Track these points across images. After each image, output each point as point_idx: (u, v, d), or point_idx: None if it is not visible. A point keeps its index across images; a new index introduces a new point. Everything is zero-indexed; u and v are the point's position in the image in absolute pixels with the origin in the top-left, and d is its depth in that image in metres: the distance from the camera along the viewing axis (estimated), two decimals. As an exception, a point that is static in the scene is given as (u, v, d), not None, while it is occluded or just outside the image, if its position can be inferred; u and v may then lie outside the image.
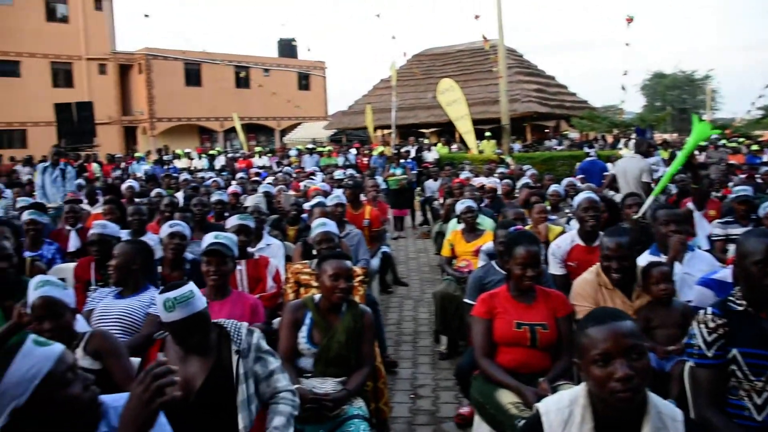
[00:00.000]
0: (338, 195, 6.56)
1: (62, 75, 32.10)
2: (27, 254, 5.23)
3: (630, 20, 15.07)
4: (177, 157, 21.17)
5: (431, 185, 12.72)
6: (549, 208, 7.00)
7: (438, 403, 4.70)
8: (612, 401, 1.80)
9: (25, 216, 5.69)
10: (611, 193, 7.95)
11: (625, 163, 7.92)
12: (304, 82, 41.08)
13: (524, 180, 9.20)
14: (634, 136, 17.51)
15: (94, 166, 17.31)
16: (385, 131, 25.61)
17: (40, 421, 1.64)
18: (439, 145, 20.28)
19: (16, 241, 5.02)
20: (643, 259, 3.46)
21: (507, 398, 3.11)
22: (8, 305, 3.57)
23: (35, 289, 2.85)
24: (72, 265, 5.01)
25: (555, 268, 4.58)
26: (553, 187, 7.41)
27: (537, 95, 23.09)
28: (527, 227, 5.41)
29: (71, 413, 1.67)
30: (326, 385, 3.17)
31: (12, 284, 3.70)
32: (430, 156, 17.14)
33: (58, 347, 1.71)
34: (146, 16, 29.68)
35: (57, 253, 5.67)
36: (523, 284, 3.36)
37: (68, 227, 6.36)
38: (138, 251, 3.88)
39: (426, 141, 22.53)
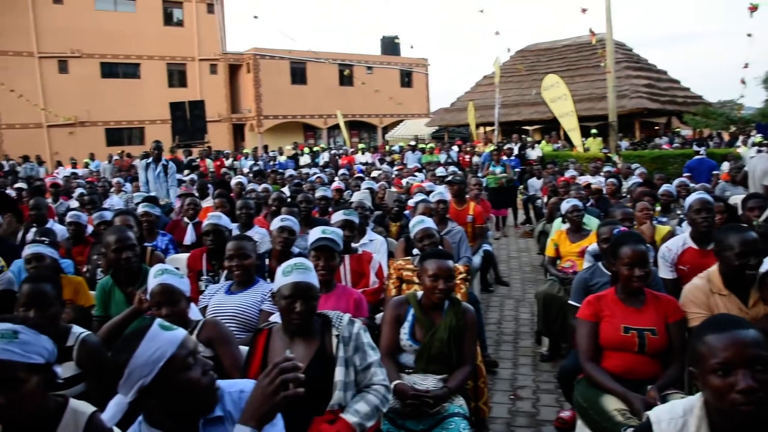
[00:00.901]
0: (441, 192, 6.56)
1: (177, 75, 33.72)
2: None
3: (754, 9, 14.09)
4: (293, 153, 21.78)
5: (534, 183, 12.50)
6: (659, 208, 6.74)
7: (538, 405, 4.62)
8: (732, 414, 1.71)
9: (140, 209, 6.06)
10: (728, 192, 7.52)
11: (756, 161, 7.35)
12: (406, 79, 41.24)
13: (634, 179, 8.87)
14: (754, 133, 16.48)
15: (208, 161, 18.08)
16: (488, 128, 25.35)
17: (163, 400, 1.75)
18: (543, 142, 19.88)
19: (139, 230, 5.36)
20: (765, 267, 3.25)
21: (612, 404, 3.02)
22: (130, 291, 3.83)
23: (155, 276, 3.04)
24: (185, 255, 5.27)
25: (665, 272, 4.37)
26: (664, 187, 7.11)
27: (647, 90, 22.11)
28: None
29: (191, 395, 1.75)
30: (427, 382, 3.19)
31: (133, 272, 3.94)
32: (534, 154, 16.82)
33: (181, 332, 1.80)
34: (255, 17, 30.77)
35: (170, 244, 6.01)
36: (632, 285, 3.25)
37: (186, 220, 6.69)
38: (255, 247, 4.03)
39: (529, 138, 22.13)
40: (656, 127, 27.23)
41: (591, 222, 6.31)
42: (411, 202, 6.95)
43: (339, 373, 2.58)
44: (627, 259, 3.24)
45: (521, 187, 13.47)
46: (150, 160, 10.13)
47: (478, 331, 4.30)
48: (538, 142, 19.90)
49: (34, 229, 6.56)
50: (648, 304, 3.27)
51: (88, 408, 2.10)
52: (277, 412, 1.70)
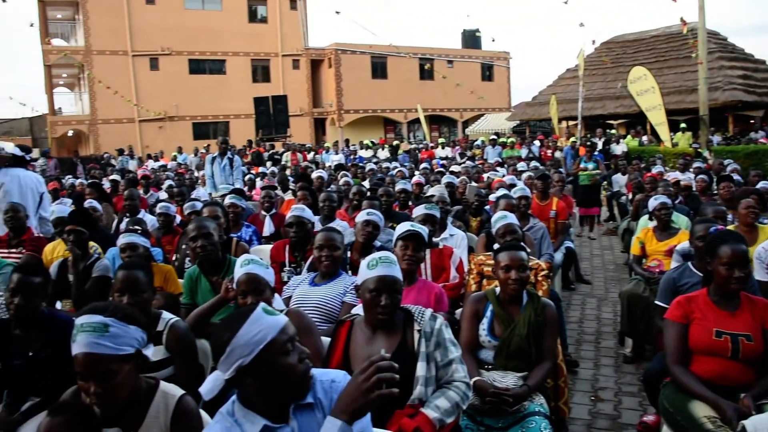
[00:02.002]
0: (523, 187, 6.47)
1: (260, 71, 34.52)
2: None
3: None
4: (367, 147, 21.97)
5: (619, 179, 12.13)
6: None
7: (620, 408, 4.49)
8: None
9: (227, 200, 6.25)
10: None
11: None
12: (487, 72, 40.77)
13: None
14: None
15: (298, 155, 18.48)
16: (570, 123, 24.77)
17: (259, 381, 1.79)
18: (629, 137, 19.26)
19: (226, 221, 5.54)
20: None
21: (702, 411, 2.90)
22: (215, 280, 3.95)
23: (241, 266, 3.13)
24: (268, 246, 5.41)
25: (761, 274, 4.15)
26: (761, 184, 6.77)
27: (742, 82, 20.99)
28: (729, 227, 4.98)
29: (286, 380, 1.80)
30: (507, 380, 3.16)
31: (219, 261, 4.07)
32: (619, 149, 16.31)
33: (282, 319, 1.84)
34: (337, 12, 31.05)
35: (254, 235, 6.18)
36: (730, 287, 3.08)
37: (263, 212, 6.85)
38: (343, 239, 4.08)
39: (614, 133, 21.47)
40: (752, 121, 25.83)
41: (680, 220, 6.09)
42: (492, 198, 6.88)
43: (420, 369, 2.59)
44: (726, 258, 3.07)
45: (605, 183, 13.10)
46: (216, 153, 10.31)
47: (559, 330, 4.23)
48: (623, 137, 19.28)
49: (127, 219, 6.88)
50: (743, 307, 3.11)
51: (177, 391, 2.19)
52: (369, 409, 1.72)
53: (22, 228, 5.74)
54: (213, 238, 4.02)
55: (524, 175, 9.05)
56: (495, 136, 18.64)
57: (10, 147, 6.72)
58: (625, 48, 26.66)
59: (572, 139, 16.33)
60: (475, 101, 36.53)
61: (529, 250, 4.73)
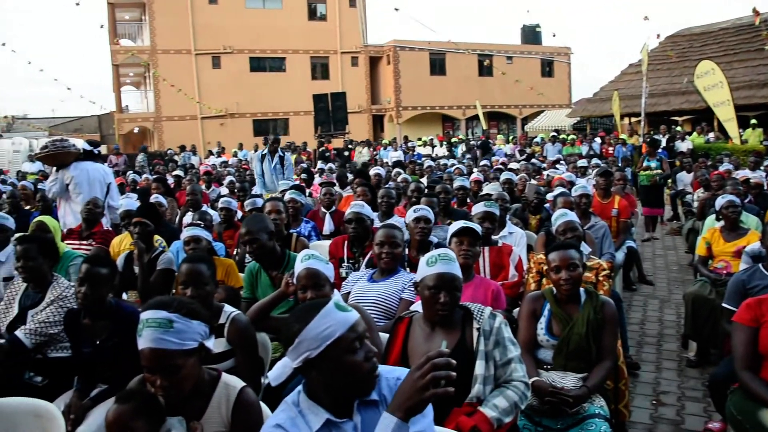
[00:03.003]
0: (584, 185, 6.35)
1: (320, 68, 34.79)
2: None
3: None
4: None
5: (684, 178, 11.77)
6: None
7: (683, 413, 4.36)
8: None
9: (287, 196, 6.34)
10: None
11: None
12: (547, 68, 40.09)
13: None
14: None
15: (363, 150, 18.58)
16: (633, 119, 24.16)
17: (324, 375, 1.82)
18: (694, 134, 18.66)
19: (287, 216, 5.62)
20: None
21: (773, 419, 2.80)
22: (275, 275, 4.01)
23: (302, 261, 3.16)
24: (327, 242, 5.46)
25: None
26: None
27: (819, 75, 20.01)
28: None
29: (351, 377, 1.81)
30: (566, 380, 3.11)
31: (278, 257, 4.12)
32: (684, 146, 15.83)
33: (353, 315, 1.85)
34: (396, 9, 30.93)
35: (313, 231, 6.24)
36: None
37: (323, 210, 6.92)
38: (403, 236, 4.08)
39: (679, 129, 20.82)
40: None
41: (749, 220, 5.89)
42: (550, 196, 6.79)
43: (479, 367, 2.57)
44: None
45: (669, 181, 12.72)
46: (265, 151, 10.04)
47: (620, 330, 4.13)
48: (689, 134, 18.69)
49: (190, 214, 7.07)
50: (818, 311, 2.99)
51: (238, 383, 2.24)
52: (425, 406, 1.70)
53: (96, 221, 6.04)
54: (261, 240, 4.00)
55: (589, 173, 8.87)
56: (555, 133, 18.35)
57: (80, 143, 7.02)
58: (692, 41, 25.80)
59: (622, 136, 15.91)
60: (535, 98, 36.03)
61: (589, 249, 4.68)
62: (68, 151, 6.74)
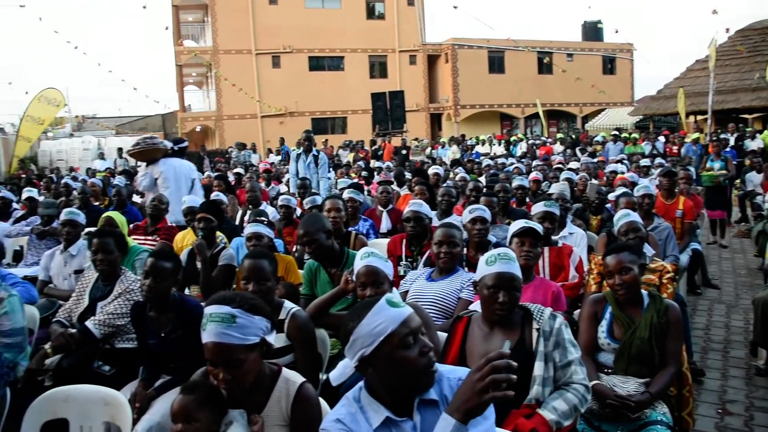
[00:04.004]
0: (646, 185, 6.19)
1: (378, 67, 34.92)
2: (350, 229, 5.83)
3: None
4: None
5: (753, 178, 11.32)
6: None
7: (752, 424, 4.20)
8: None
9: (345, 194, 6.40)
10: None
11: None
12: (609, 66, 39.22)
13: None
14: None
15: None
16: (699, 117, 23.43)
17: (380, 372, 1.83)
18: (765, 132, 17.96)
19: (346, 214, 5.67)
20: None
21: None
22: (334, 273, 4.05)
23: (361, 258, 3.18)
24: (385, 240, 5.48)
25: None
26: None
27: None
28: None
29: (406, 373, 1.81)
30: (628, 385, 3.03)
31: (337, 255, 4.15)
32: (754, 144, 15.23)
33: (406, 310, 1.85)
34: (455, 7, 30.78)
35: (371, 229, 6.28)
36: None
37: (380, 208, 6.95)
38: (462, 236, 4.06)
39: (748, 128, 20.08)
40: None
41: (825, 223, 5.63)
42: (612, 196, 6.65)
43: (538, 368, 2.54)
44: None
45: (738, 181, 12.26)
46: (300, 150, 9.79)
47: (684, 335, 4.02)
48: (760, 132, 17.99)
49: (249, 211, 7.21)
50: None
51: (299, 378, 2.27)
52: (484, 409, 1.68)
53: (160, 217, 6.24)
54: (319, 240, 4.02)
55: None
56: (616, 132, 17.95)
57: (168, 141, 7.46)
58: (764, 36, 24.78)
59: (693, 136, 15.41)
60: (596, 96, 35.30)
61: (652, 250, 4.56)
62: (157, 147, 7.12)
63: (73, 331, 3.76)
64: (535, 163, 12.66)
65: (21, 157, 21.00)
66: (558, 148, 19.18)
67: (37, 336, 4.18)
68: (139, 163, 10.04)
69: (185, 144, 7.91)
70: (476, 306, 2.90)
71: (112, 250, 4.00)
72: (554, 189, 6.34)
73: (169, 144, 7.39)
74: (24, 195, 8.38)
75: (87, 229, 5.77)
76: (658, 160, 11.93)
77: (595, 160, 13.47)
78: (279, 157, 20.13)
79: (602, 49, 38.81)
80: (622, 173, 9.31)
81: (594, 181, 8.46)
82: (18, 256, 7.03)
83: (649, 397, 2.96)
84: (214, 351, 2.03)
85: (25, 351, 3.71)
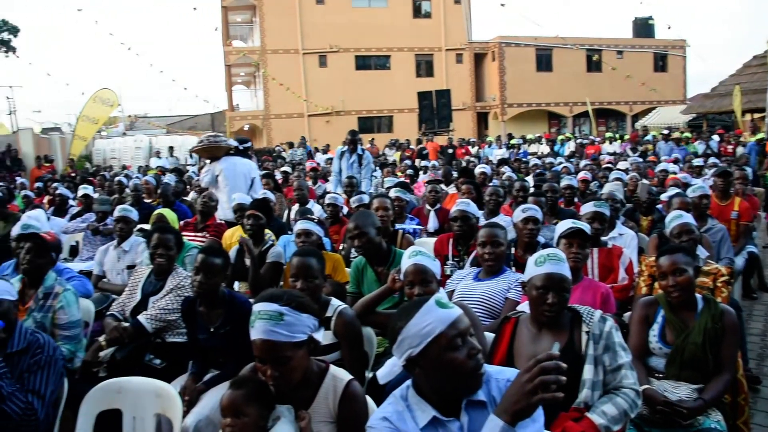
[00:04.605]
0: (702, 186, 6.04)
1: (424, 66, 34.86)
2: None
3: None
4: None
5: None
6: None
7: (810, 433, 4.07)
8: None
9: (392, 193, 6.40)
10: None
11: None
12: (660, 63, 38.33)
13: None
14: None
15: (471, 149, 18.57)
16: (756, 115, 22.72)
17: (427, 373, 1.83)
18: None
19: (393, 213, 5.68)
20: None
21: None
22: (381, 271, 4.06)
23: (409, 257, 3.18)
24: (432, 239, 5.48)
25: None
26: None
27: None
28: None
29: (453, 375, 1.80)
30: (680, 391, 2.97)
31: (384, 253, 4.16)
32: (815, 144, 14.71)
33: (454, 312, 1.84)
34: (502, 5, 30.47)
35: (417, 228, 6.27)
36: None
37: (428, 207, 6.95)
38: (506, 235, 4.03)
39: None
40: None
41: None
42: (665, 196, 6.50)
43: (588, 372, 2.50)
44: None
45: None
46: (345, 148, 9.64)
47: (740, 341, 3.90)
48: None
49: (295, 208, 7.30)
50: None
51: (346, 375, 2.28)
52: (533, 411, 1.66)
53: (210, 214, 6.36)
54: (369, 235, 4.06)
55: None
56: (668, 131, 17.56)
57: (232, 141, 7.62)
58: (826, 31, 23.90)
59: (760, 135, 14.93)
60: (647, 94, 34.56)
61: (706, 253, 4.45)
62: (219, 145, 7.26)
63: (126, 324, 3.86)
64: (583, 162, 12.48)
65: (77, 155, 21.63)
66: (607, 147, 18.83)
67: (92, 329, 4.31)
68: (203, 160, 10.29)
69: (249, 144, 8.04)
70: (524, 307, 2.87)
71: (171, 246, 4.12)
72: (606, 189, 6.23)
73: (233, 142, 7.54)
74: (79, 192, 8.64)
75: (139, 226, 5.92)
76: (712, 159, 11.60)
77: (647, 159, 13.19)
78: (325, 156, 20.27)
79: (653, 46, 37.95)
80: (674, 173, 9.11)
81: (645, 181, 8.29)
82: (74, 252, 7.27)
83: (702, 403, 2.88)
84: (262, 348, 2.06)
85: (81, 343, 3.83)
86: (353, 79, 32.98)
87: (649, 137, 19.85)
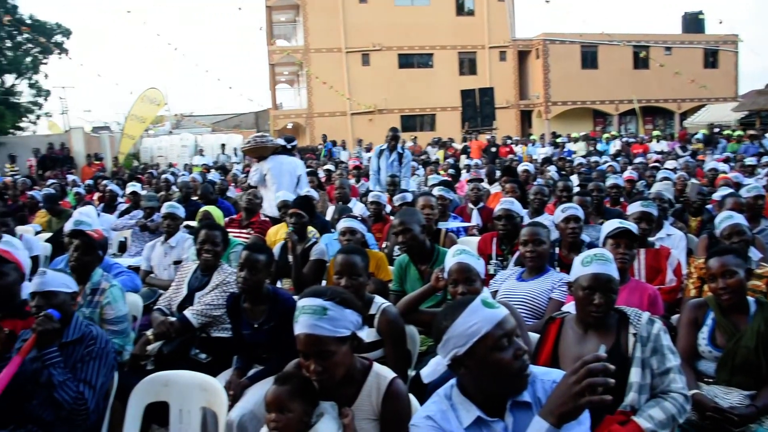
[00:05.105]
0: (756, 186, 5.87)
1: (467, 64, 34.62)
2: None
3: None
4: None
5: None
6: None
7: None
8: None
9: (435, 191, 6.39)
10: None
11: None
12: (711, 59, 37.30)
13: None
14: None
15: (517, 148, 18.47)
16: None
17: (472, 373, 1.82)
18: None
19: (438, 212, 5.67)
20: None
21: None
22: (423, 269, 4.06)
23: (453, 255, 3.18)
24: (476, 238, 5.45)
25: None
26: None
27: None
28: None
29: (499, 375, 1.79)
30: (731, 397, 2.89)
31: (428, 251, 4.15)
32: None
33: (501, 312, 1.82)
34: (546, 1, 30.11)
35: (462, 226, 6.25)
36: None
37: (470, 205, 6.91)
38: (549, 234, 4.01)
39: None
40: None
41: None
42: (716, 196, 6.34)
43: (635, 374, 2.46)
44: None
45: None
46: (384, 146, 9.38)
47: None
48: None
49: (332, 206, 7.35)
50: None
51: (389, 373, 2.29)
52: (579, 413, 1.63)
53: (254, 211, 6.45)
54: (414, 231, 4.06)
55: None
56: (718, 129, 17.11)
57: (278, 140, 7.85)
58: None
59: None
60: (696, 91, 33.66)
61: (759, 254, 4.32)
62: (266, 145, 7.44)
63: (173, 319, 3.93)
64: (629, 161, 12.26)
65: (126, 153, 22.14)
66: (655, 145, 18.45)
67: (140, 323, 4.40)
68: (247, 158, 10.50)
69: (295, 142, 8.25)
70: (569, 307, 2.83)
71: (218, 242, 4.18)
72: (655, 188, 6.11)
73: (280, 141, 7.73)
74: (128, 189, 8.83)
75: (186, 222, 6.03)
76: (766, 158, 11.26)
77: (697, 159, 12.88)
78: (368, 154, 20.33)
79: (704, 42, 37.00)
80: (724, 172, 8.87)
81: (694, 181, 8.09)
82: (123, 247, 7.44)
83: (754, 410, 2.80)
84: (306, 342, 2.07)
85: (130, 337, 3.92)
86: (396, 77, 32.96)
87: (698, 135, 19.39)
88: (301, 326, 2.08)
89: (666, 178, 7.72)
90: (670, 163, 11.40)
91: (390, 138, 9.34)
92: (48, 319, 2.76)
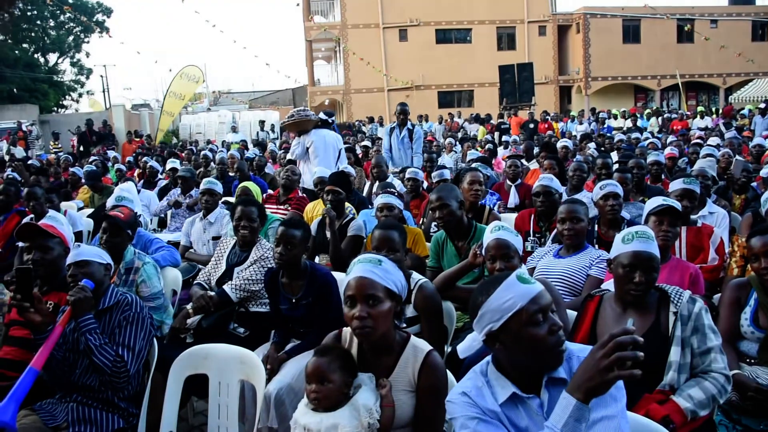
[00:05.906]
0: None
1: (506, 39, 34.13)
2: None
3: None
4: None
5: None
6: None
7: None
8: None
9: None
10: None
11: None
12: (760, 31, 36.01)
13: None
14: None
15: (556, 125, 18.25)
16: None
17: (508, 348, 1.81)
18: None
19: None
20: None
21: None
22: (460, 246, 4.05)
23: (492, 232, 3.17)
24: (513, 215, 5.41)
25: None
26: None
27: None
28: None
29: (533, 351, 1.78)
30: (774, 377, 2.84)
31: (465, 228, 4.13)
32: None
33: (536, 287, 1.81)
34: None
35: (495, 202, 6.19)
36: None
37: (508, 182, 6.86)
38: (587, 211, 3.96)
39: None
40: None
41: None
42: (763, 173, 6.18)
43: (674, 354, 2.43)
44: None
45: None
46: (395, 124, 9.10)
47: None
48: None
49: (369, 183, 7.37)
50: None
51: (426, 346, 2.30)
52: (607, 388, 1.59)
53: (292, 188, 6.49)
54: (450, 208, 4.02)
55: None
56: (765, 104, 16.61)
57: (321, 114, 8.00)
58: None
59: None
60: (743, 65, 32.64)
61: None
62: (308, 119, 7.57)
63: (212, 294, 4.00)
64: (670, 138, 11.99)
65: (165, 130, 22.44)
66: (698, 122, 18.00)
67: (180, 297, 4.49)
68: (285, 134, 10.61)
69: (335, 117, 8.38)
70: (608, 285, 2.80)
71: (255, 218, 4.22)
72: (698, 165, 5.98)
73: (322, 116, 7.85)
74: (168, 166, 8.97)
75: (224, 198, 6.11)
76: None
77: (742, 135, 12.55)
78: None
79: (752, 14, 35.77)
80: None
81: (739, 158, 7.88)
82: (162, 223, 7.59)
83: (797, 391, 2.75)
84: (357, 285, 2.14)
85: (168, 311, 4.00)
86: (433, 53, 32.67)
87: (744, 111, 18.85)
88: (354, 273, 2.17)
89: (710, 155, 7.53)
90: (713, 140, 11.11)
91: (398, 113, 9.03)
92: (81, 290, 2.83)
